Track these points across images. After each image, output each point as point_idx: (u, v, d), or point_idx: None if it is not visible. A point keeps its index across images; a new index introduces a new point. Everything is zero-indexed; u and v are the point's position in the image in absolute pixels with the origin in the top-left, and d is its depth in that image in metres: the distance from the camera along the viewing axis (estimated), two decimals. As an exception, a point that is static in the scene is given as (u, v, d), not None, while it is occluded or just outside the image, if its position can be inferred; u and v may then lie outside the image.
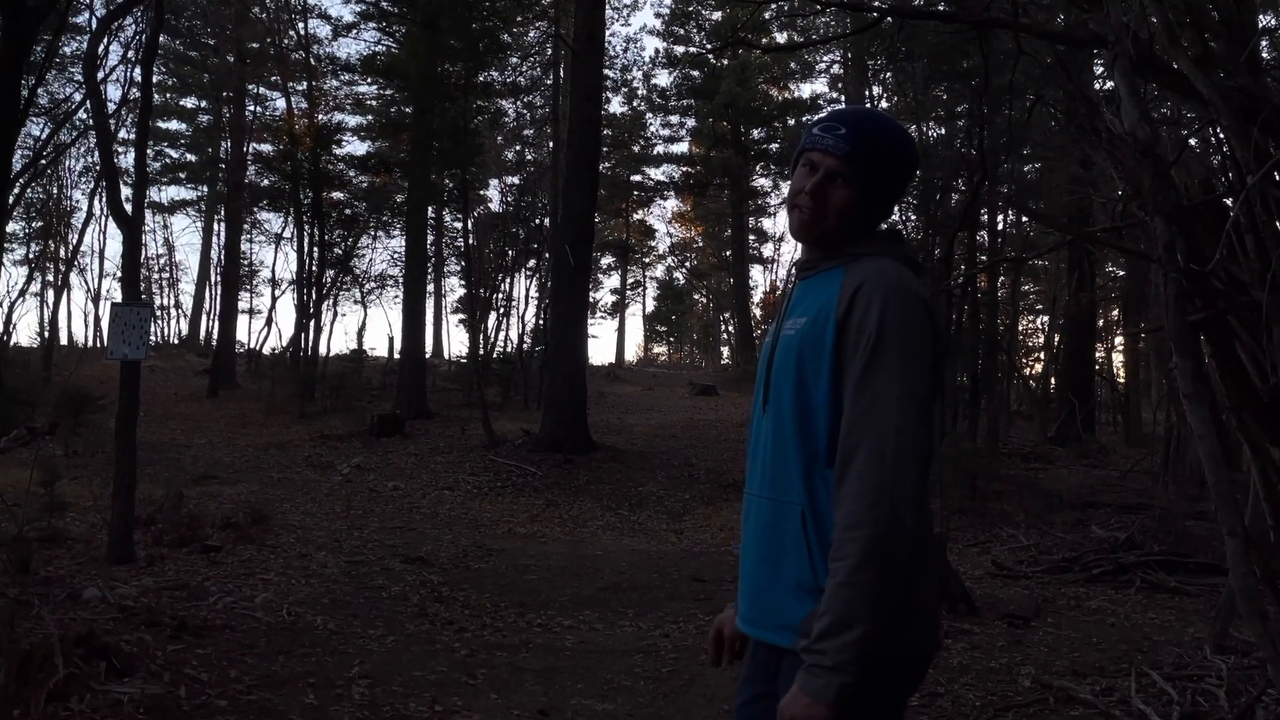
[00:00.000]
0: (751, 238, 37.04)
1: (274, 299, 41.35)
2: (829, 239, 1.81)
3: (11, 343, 23.03)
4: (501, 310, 25.18)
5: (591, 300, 29.80)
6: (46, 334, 24.00)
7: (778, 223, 43.49)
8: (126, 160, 21.74)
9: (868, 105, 22.94)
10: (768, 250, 39.93)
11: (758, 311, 35.49)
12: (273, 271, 49.58)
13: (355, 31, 23.30)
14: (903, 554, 1.55)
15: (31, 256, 26.94)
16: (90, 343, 31.23)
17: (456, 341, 56.30)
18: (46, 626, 4.13)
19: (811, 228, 1.81)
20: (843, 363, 1.66)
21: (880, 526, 1.54)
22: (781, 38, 26.12)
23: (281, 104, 25.33)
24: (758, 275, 40.75)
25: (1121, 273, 21.50)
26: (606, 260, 37.67)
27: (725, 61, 29.11)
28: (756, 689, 1.87)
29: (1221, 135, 3.75)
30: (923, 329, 1.64)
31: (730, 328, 40.56)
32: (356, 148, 27.41)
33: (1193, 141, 4.66)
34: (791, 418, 1.72)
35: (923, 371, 1.62)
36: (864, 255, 1.76)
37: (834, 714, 1.53)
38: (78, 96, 17.63)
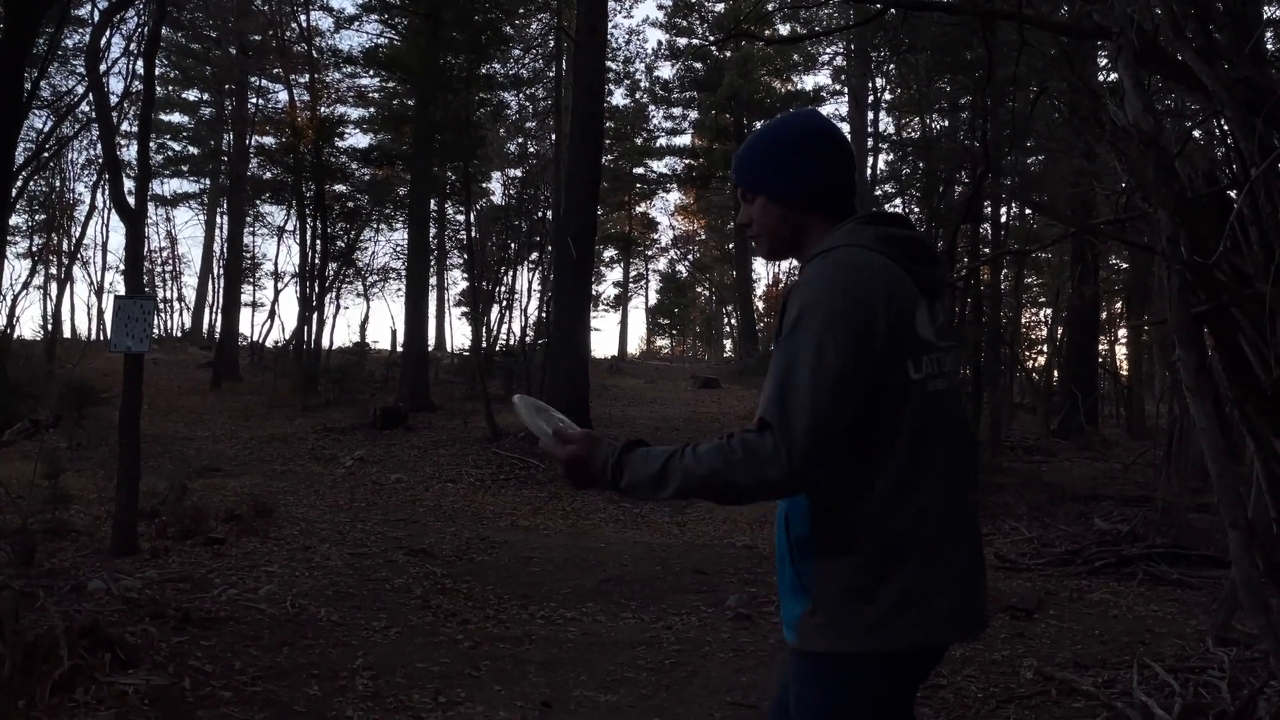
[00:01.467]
0: (754, 230, 36.92)
1: (277, 292, 41.64)
2: (789, 250, 1.89)
3: (15, 336, 23.05)
4: (504, 303, 25.18)
5: (594, 293, 29.79)
6: (49, 327, 24.02)
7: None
8: (128, 153, 21.69)
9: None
10: (771, 243, 39.82)
11: (760, 304, 35.53)
12: (275, 264, 49.72)
13: (357, 24, 23.31)
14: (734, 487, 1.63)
15: (34, 249, 26.97)
16: (93, 336, 31.25)
17: (459, 334, 56.30)
18: (51, 618, 4.15)
19: (763, 248, 1.92)
20: None
21: (732, 471, 1.62)
22: (784, 29, 26.08)
23: (284, 96, 25.30)
24: (760, 268, 40.63)
25: (1125, 265, 21.45)
26: (609, 253, 37.65)
27: (728, 53, 29.05)
28: (783, 680, 1.93)
29: (1225, 127, 3.73)
30: (833, 305, 1.64)
31: (733, 321, 40.55)
32: (359, 140, 27.50)
33: (1196, 133, 4.65)
34: None
35: (826, 344, 1.61)
36: (828, 250, 1.75)
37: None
38: (80, 89, 17.64)
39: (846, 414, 1.62)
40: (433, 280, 28.15)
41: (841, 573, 1.68)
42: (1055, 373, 22.11)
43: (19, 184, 15.76)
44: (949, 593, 1.69)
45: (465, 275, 27.38)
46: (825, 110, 30.79)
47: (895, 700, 1.73)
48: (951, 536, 1.72)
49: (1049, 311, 27.36)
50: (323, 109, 23.50)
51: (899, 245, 1.76)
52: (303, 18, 23.87)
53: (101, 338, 28.75)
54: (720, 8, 29.82)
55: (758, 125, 31.37)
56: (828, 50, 28.44)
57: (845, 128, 29.36)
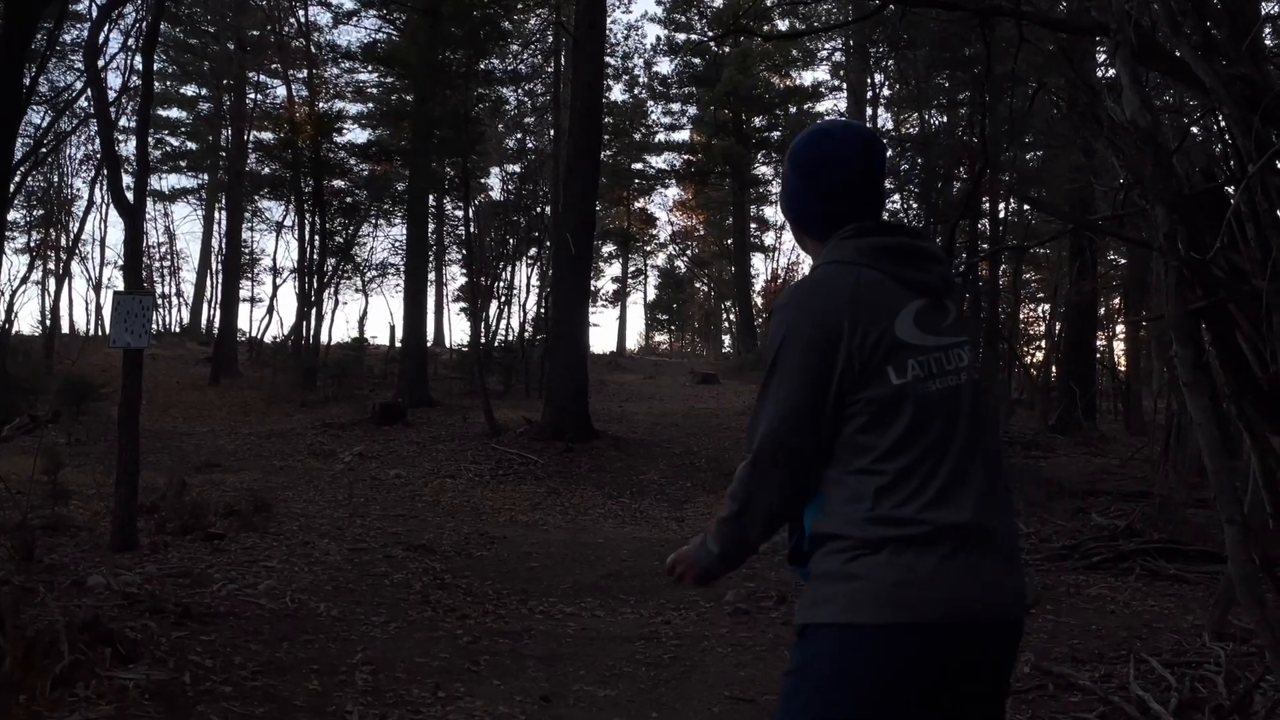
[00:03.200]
0: (753, 226, 36.98)
1: (275, 287, 41.25)
2: None
3: (13, 331, 23.03)
4: (503, 299, 25.20)
5: (593, 289, 29.83)
6: (48, 322, 24.01)
7: (779, 211, 43.38)
8: (127, 148, 21.68)
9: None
10: (769, 238, 39.93)
11: (759, 300, 35.50)
12: (274, 260, 49.73)
13: (356, 19, 23.22)
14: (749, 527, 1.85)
15: (33, 245, 26.97)
16: (92, 331, 31.24)
17: (458, 330, 56.34)
18: (51, 613, 4.16)
19: None
20: None
21: (731, 505, 1.85)
22: (783, 25, 26.07)
23: (282, 92, 25.29)
24: (759, 263, 40.64)
25: (1123, 261, 21.45)
26: (608, 249, 37.64)
27: (727, 49, 28.99)
28: None
29: (1223, 123, 3.74)
30: (788, 336, 1.77)
31: (732, 316, 40.52)
32: (357, 136, 27.31)
33: (1194, 130, 4.66)
34: None
35: (789, 378, 1.76)
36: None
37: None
38: (78, 84, 17.59)
39: (811, 430, 1.75)
40: (431, 276, 28.16)
41: (835, 557, 1.75)
42: (1053, 368, 22.11)
43: (17, 179, 15.74)
44: (948, 580, 1.70)
45: (464, 271, 27.45)
46: (824, 106, 30.88)
47: (889, 688, 1.73)
48: (958, 528, 1.72)
49: (1047, 307, 27.40)
50: (321, 104, 23.51)
51: (882, 253, 1.79)
52: (301, 13, 23.87)
53: (100, 333, 28.75)
54: (719, 3, 29.75)
55: (756, 121, 31.41)
56: (826, 46, 28.42)
57: (844, 123, 29.43)
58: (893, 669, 1.73)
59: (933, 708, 1.74)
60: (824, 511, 1.78)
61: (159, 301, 36.46)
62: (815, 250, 1.92)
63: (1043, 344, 26.03)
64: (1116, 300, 25.72)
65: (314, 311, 21.69)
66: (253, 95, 25.59)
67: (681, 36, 30.95)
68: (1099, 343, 22.95)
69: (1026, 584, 1.89)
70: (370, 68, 22.96)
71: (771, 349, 1.80)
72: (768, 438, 1.77)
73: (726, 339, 42.57)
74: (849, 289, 1.74)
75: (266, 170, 23.62)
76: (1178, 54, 3.64)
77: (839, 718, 1.73)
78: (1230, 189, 3.68)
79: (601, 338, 63.94)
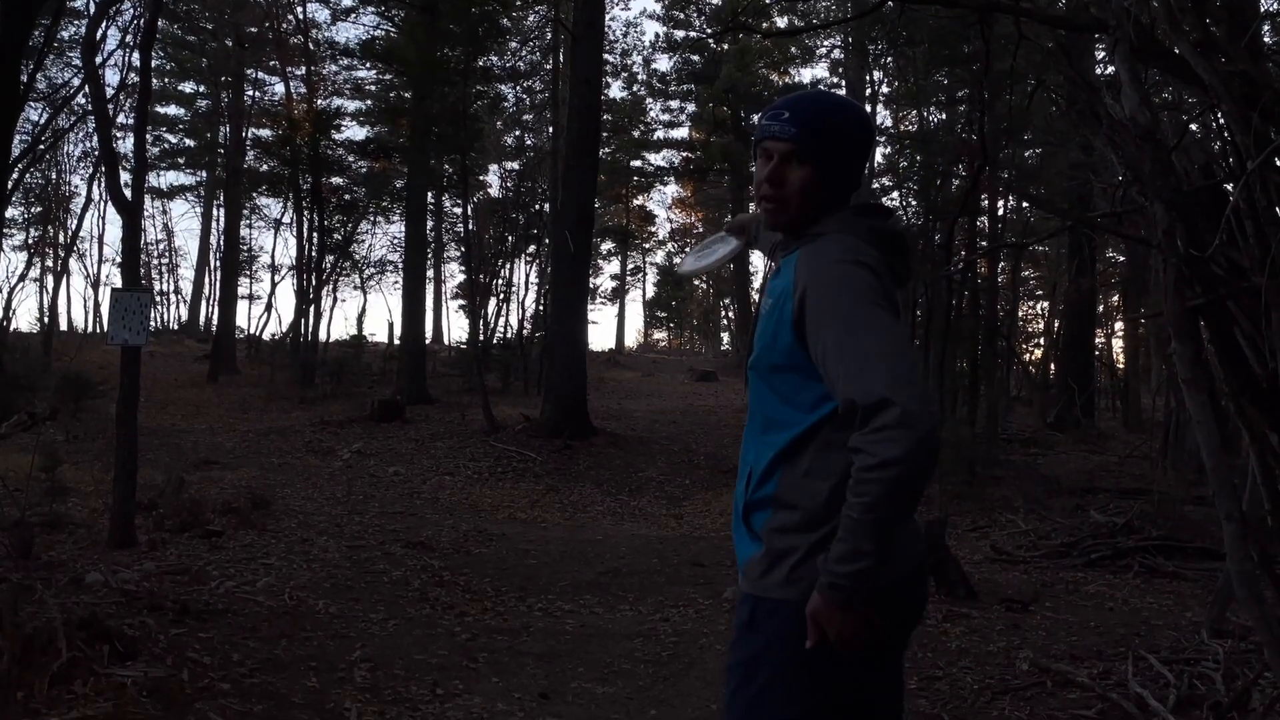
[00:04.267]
0: (752, 223, 36.91)
1: (273, 284, 41.53)
2: (798, 224, 1.88)
3: (11, 328, 23.02)
4: (501, 296, 25.18)
5: (592, 286, 29.77)
6: (46, 320, 23.99)
7: (778, 208, 43.30)
8: (125, 145, 21.68)
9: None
10: (768, 236, 39.80)
11: (758, 297, 35.43)
12: (272, 257, 49.71)
13: (354, 16, 23.24)
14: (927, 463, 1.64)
15: (30, 242, 26.94)
16: (90, 328, 31.23)
17: (456, 327, 56.24)
18: (49, 610, 4.16)
19: (779, 215, 1.88)
20: (804, 339, 1.74)
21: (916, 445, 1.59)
22: (782, 22, 26.02)
23: (280, 89, 25.31)
24: (758, 261, 40.61)
25: (1122, 258, 21.46)
26: (607, 246, 37.62)
27: (725, 46, 28.98)
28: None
29: (1222, 120, 3.74)
30: (860, 282, 1.70)
31: (730, 314, 40.54)
32: (356, 133, 27.41)
33: (1193, 127, 4.65)
34: (756, 390, 1.89)
35: (882, 318, 1.67)
36: (820, 235, 1.82)
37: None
38: (76, 81, 17.57)
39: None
40: (430, 273, 28.15)
41: (787, 525, 1.78)
42: (1052, 365, 22.14)
43: (15, 176, 15.71)
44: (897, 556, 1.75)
45: (462, 268, 27.42)
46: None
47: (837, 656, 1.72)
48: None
49: (1046, 304, 27.41)
50: (319, 101, 23.49)
51: (885, 239, 1.83)
52: (299, 9, 23.87)
53: (98, 330, 28.71)
54: (718, 0, 29.75)
55: (755, 119, 31.34)
56: (825, 43, 28.41)
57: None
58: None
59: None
60: (797, 476, 1.78)
61: (157, 299, 36.44)
62: (825, 214, 1.85)
63: (1041, 341, 26.07)
64: (1115, 297, 25.74)
65: (312, 309, 21.68)
66: (251, 92, 25.59)
67: (680, 34, 30.94)
68: (1097, 340, 22.96)
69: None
70: (369, 65, 22.96)
71: (844, 300, 1.68)
72: (904, 374, 1.60)
73: (725, 336, 42.61)
74: (880, 263, 1.78)
75: (265, 167, 23.59)
76: (1177, 51, 3.63)
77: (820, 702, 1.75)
78: (1229, 186, 3.68)
79: (600, 335, 63.93)
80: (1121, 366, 23.51)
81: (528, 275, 25.69)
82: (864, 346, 1.63)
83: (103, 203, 27.61)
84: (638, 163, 34.67)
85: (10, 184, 13.37)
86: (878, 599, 1.69)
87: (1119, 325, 26.51)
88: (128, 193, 7.36)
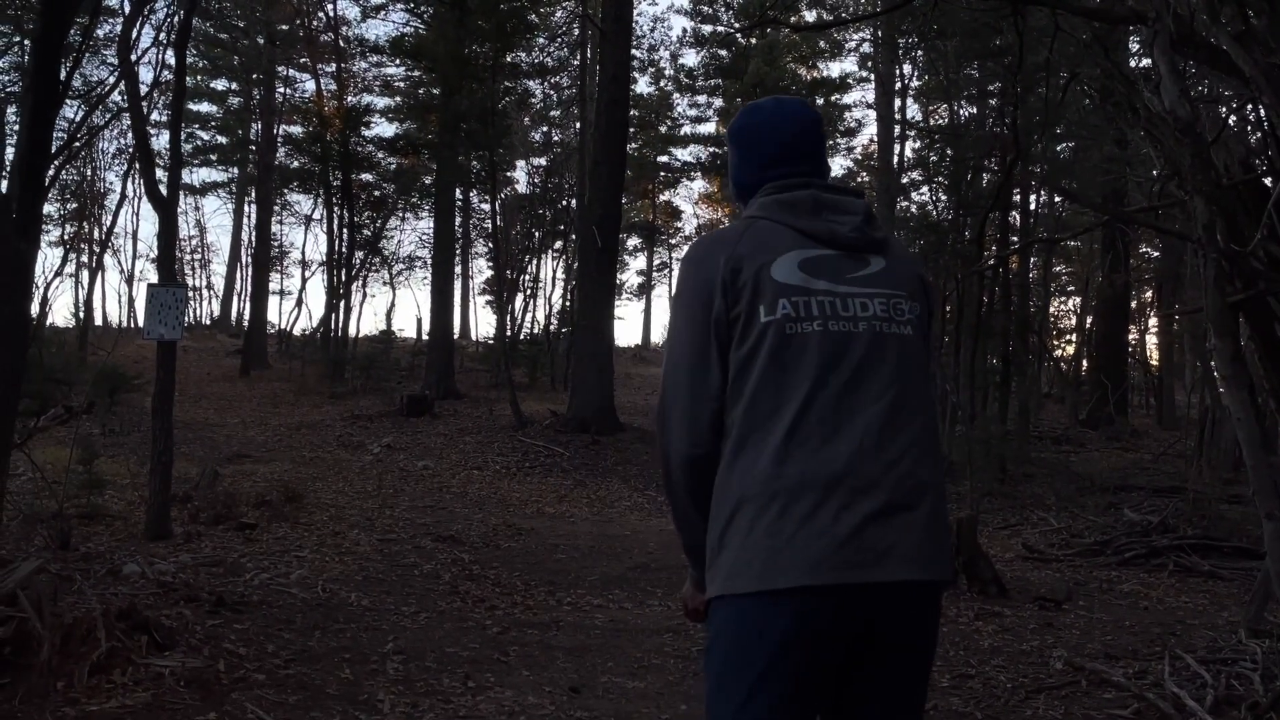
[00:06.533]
0: (778, 219, 36.73)
1: (304, 280, 41.81)
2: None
3: (48, 323, 23.34)
4: (528, 292, 25.27)
5: (618, 282, 29.76)
6: (81, 314, 24.31)
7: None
8: (159, 142, 21.90)
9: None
10: (794, 231, 39.59)
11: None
12: (303, 253, 49.97)
13: (383, 13, 23.36)
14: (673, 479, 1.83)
15: (66, 238, 27.27)
16: (124, 323, 31.61)
17: (484, 323, 56.43)
18: (88, 601, 4.22)
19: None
20: None
21: (660, 462, 1.86)
22: (810, 16, 25.84)
23: (311, 86, 25.42)
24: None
25: (1156, 254, 21.19)
26: (633, 241, 37.53)
27: (753, 40, 28.84)
28: None
29: (1262, 113, 3.68)
30: (681, 283, 1.82)
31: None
32: (385, 129, 27.58)
33: (1232, 120, 4.59)
34: None
35: (679, 326, 1.80)
36: None
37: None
38: (111, 79, 17.77)
39: (702, 370, 1.75)
40: (458, 269, 28.28)
41: (714, 521, 1.76)
42: (1084, 362, 21.91)
43: (51, 172, 15.93)
44: (818, 539, 1.62)
45: (490, 263, 27.50)
46: (851, 97, 30.66)
47: (784, 651, 1.67)
48: (837, 482, 1.64)
49: (1078, 300, 27.11)
50: (349, 98, 23.63)
51: (784, 206, 1.83)
52: (329, 7, 24.12)
53: (133, 325, 29.07)
54: (746, -6, 29.61)
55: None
56: (855, 37, 28.17)
57: (871, 115, 29.27)
58: (771, 641, 1.68)
59: (829, 683, 1.71)
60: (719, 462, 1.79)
61: (190, 294, 36.84)
62: (739, 201, 2.00)
63: (1074, 338, 25.77)
64: (1149, 293, 25.41)
65: (342, 304, 21.84)
66: (282, 89, 25.79)
67: (708, 28, 30.81)
68: (1131, 336, 22.70)
69: (938, 547, 1.70)
70: (397, 61, 23.04)
71: (674, 301, 1.87)
72: (664, 379, 1.82)
73: (752, 332, 42.34)
74: (735, 236, 1.81)
75: (295, 164, 23.76)
76: (1216, 42, 3.58)
77: (749, 700, 1.78)
78: (1270, 179, 3.63)
79: (626, 331, 63.99)
80: (1155, 363, 23.21)
81: (554, 271, 25.75)
82: (669, 355, 1.83)
83: (137, 199, 27.97)
84: (664, 158, 34.62)
85: (48, 179, 13.54)
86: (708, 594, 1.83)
87: (1153, 321, 26.21)
88: (163, 189, 7.46)
